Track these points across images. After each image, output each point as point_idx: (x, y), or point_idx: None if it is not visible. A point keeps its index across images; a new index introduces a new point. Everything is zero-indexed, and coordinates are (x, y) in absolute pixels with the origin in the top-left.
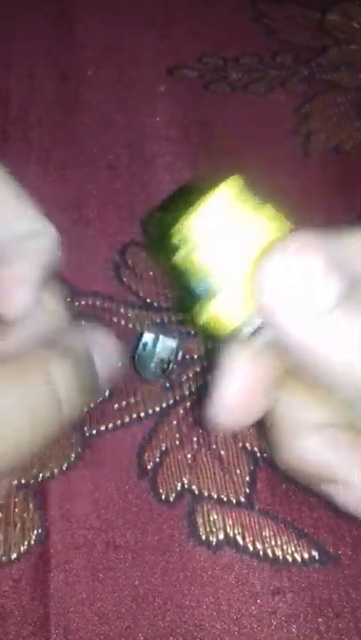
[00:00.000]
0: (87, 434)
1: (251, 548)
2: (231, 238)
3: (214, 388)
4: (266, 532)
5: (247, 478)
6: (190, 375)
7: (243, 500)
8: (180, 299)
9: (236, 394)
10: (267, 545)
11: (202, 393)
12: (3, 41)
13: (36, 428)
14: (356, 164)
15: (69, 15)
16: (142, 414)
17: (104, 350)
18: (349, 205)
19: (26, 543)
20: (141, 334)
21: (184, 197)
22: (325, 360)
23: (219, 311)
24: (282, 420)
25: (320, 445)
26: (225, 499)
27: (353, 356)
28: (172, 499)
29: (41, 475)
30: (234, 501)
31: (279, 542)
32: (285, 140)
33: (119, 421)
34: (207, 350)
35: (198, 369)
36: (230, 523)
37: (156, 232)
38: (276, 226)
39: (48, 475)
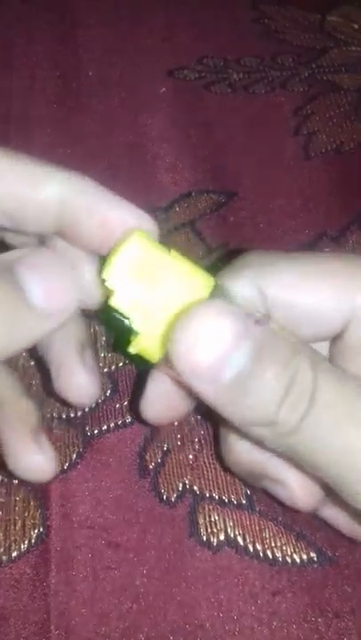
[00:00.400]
0: (88, 433)
1: (251, 549)
2: (144, 285)
3: (143, 393)
4: (266, 534)
5: None
6: None
7: (244, 501)
8: (114, 333)
9: (157, 399)
10: (267, 546)
11: (137, 393)
12: (5, 43)
13: None
14: (357, 165)
15: (71, 17)
16: None
17: (44, 275)
18: (350, 206)
19: (26, 542)
20: None
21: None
22: (228, 419)
23: (139, 350)
24: (223, 424)
25: (254, 447)
26: (226, 500)
27: (247, 419)
28: (173, 499)
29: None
30: (235, 502)
31: (279, 543)
32: (286, 140)
33: (121, 421)
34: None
35: None
36: (231, 524)
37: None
38: (186, 271)
39: None
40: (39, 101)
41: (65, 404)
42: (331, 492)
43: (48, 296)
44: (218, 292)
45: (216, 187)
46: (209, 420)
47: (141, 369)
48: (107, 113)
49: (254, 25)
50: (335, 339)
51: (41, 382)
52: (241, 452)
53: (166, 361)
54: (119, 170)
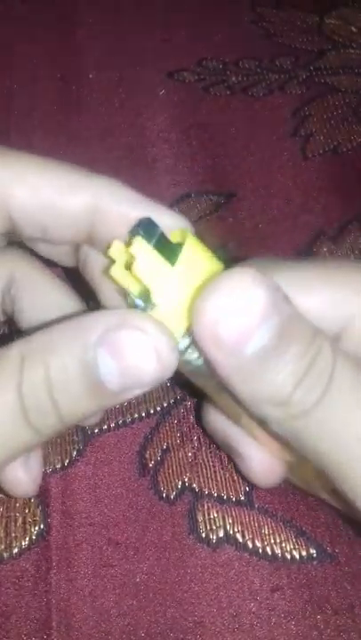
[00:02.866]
0: (89, 431)
1: (250, 546)
2: (165, 260)
3: None
4: (265, 530)
5: None
6: None
7: (243, 498)
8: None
9: None
10: (266, 543)
11: None
12: (5, 44)
13: None
14: (355, 166)
15: (71, 19)
16: (144, 413)
17: (120, 361)
18: (348, 206)
19: (27, 539)
20: None
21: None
22: (239, 395)
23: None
24: (206, 397)
25: (226, 420)
26: (225, 497)
27: (261, 396)
28: (172, 497)
29: (42, 469)
30: (234, 500)
31: (278, 540)
32: (284, 142)
33: (121, 419)
34: None
35: None
36: (230, 521)
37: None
38: (202, 254)
39: (50, 470)
40: (40, 103)
41: None
42: (326, 484)
43: (123, 379)
44: None
45: (215, 188)
46: (187, 391)
47: None
48: (107, 114)
49: (253, 27)
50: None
51: None
52: (215, 424)
53: (186, 330)
54: (119, 171)
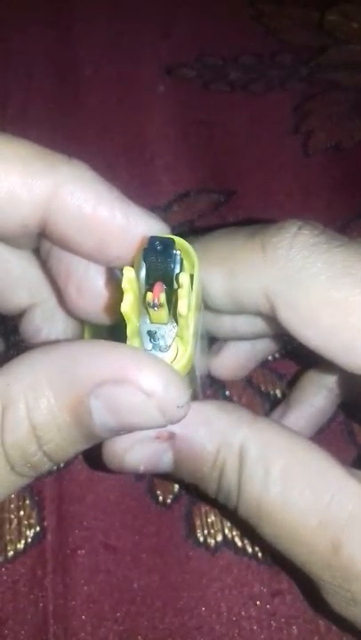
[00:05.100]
0: None
1: (249, 550)
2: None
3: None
4: None
5: None
6: None
7: None
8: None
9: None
10: (265, 546)
11: None
12: (1, 41)
13: None
14: (356, 163)
15: (68, 15)
16: None
17: (116, 412)
18: (349, 203)
19: (22, 542)
20: None
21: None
22: None
23: None
24: None
25: None
26: None
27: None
28: (169, 501)
29: None
30: None
31: None
32: (285, 138)
33: None
34: None
35: None
36: (228, 524)
37: None
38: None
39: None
40: (36, 100)
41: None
42: None
43: (120, 431)
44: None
45: (215, 185)
46: None
47: None
48: (104, 112)
49: (253, 23)
50: None
51: None
52: None
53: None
54: (117, 169)
